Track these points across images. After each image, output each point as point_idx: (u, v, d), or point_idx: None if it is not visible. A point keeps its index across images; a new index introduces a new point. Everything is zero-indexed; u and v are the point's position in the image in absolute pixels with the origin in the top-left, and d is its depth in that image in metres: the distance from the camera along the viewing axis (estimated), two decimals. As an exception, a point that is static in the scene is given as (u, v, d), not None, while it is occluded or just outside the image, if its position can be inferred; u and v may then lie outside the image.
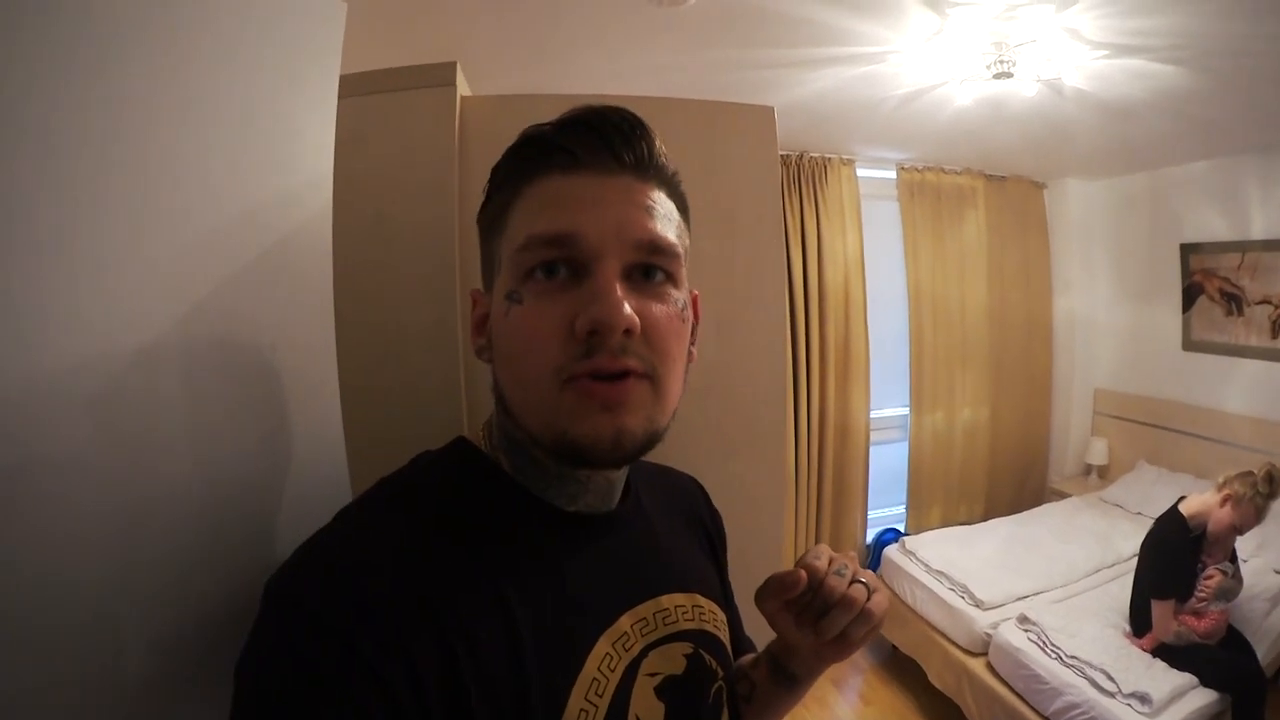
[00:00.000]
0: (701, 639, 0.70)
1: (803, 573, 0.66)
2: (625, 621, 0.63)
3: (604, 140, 0.57)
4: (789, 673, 0.79)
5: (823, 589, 0.66)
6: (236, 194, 0.70)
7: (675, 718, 0.64)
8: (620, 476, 0.69)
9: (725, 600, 0.81)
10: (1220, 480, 2.65)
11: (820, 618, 0.67)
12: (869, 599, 0.67)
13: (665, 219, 0.59)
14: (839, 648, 0.70)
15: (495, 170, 0.63)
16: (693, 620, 0.70)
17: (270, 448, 0.76)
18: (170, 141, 0.62)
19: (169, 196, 0.62)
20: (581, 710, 0.56)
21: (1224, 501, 2.60)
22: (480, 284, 0.67)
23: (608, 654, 0.60)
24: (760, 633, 0.81)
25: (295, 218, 0.80)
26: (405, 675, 0.47)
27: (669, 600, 0.69)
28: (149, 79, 0.60)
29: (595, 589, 0.63)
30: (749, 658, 0.87)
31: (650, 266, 0.58)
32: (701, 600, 0.73)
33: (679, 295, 0.60)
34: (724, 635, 0.75)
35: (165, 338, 0.62)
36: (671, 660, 0.66)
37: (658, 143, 0.60)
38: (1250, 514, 2.55)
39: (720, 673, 0.71)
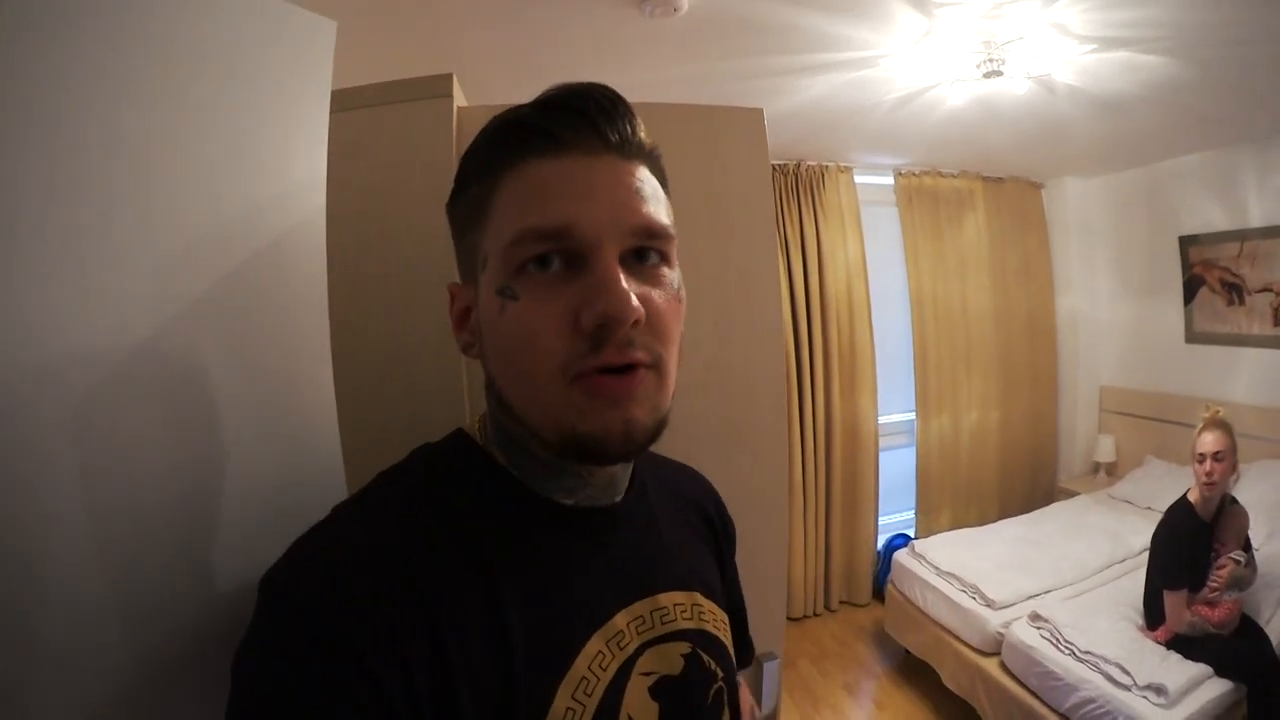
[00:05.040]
0: (700, 639, 0.69)
1: None
2: (621, 619, 0.62)
3: (587, 120, 0.55)
4: None
5: None
6: (227, 200, 0.72)
7: (670, 719, 0.63)
8: (625, 469, 0.68)
9: (729, 602, 0.80)
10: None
11: None
12: None
13: (655, 199, 0.57)
14: None
15: (469, 157, 0.60)
16: (691, 620, 0.69)
17: (261, 448, 0.77)
18: (162, 151, 0.64)
19: (160, 201, 0.64)
20: (568, 709, 0.55)
21: (1231, 488, 2.59)
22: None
23: (600, 652, 0.59)
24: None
25: (285, 223, 0.80)
26: (398, 671, 0.47)
27: (667, 598, 0.68)
28: (143, 92, 0.63)
29: (591, 586, 0.62)
30: None
31: (645, 249, 0.57)
32: (702, 600, 0.72)
33: (673, 275, 0.59)
34: (725, 636, 0.73)
35: (150, 339, 0.63)
36: (668, 660, 0.65)
37: (638, 119, 0.58)
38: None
39: (720, 674, 0.70)
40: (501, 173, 0.56)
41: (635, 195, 0.56)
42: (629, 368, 0.53)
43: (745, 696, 0.90)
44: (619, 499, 0.68)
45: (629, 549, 0.67)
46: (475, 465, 0.63)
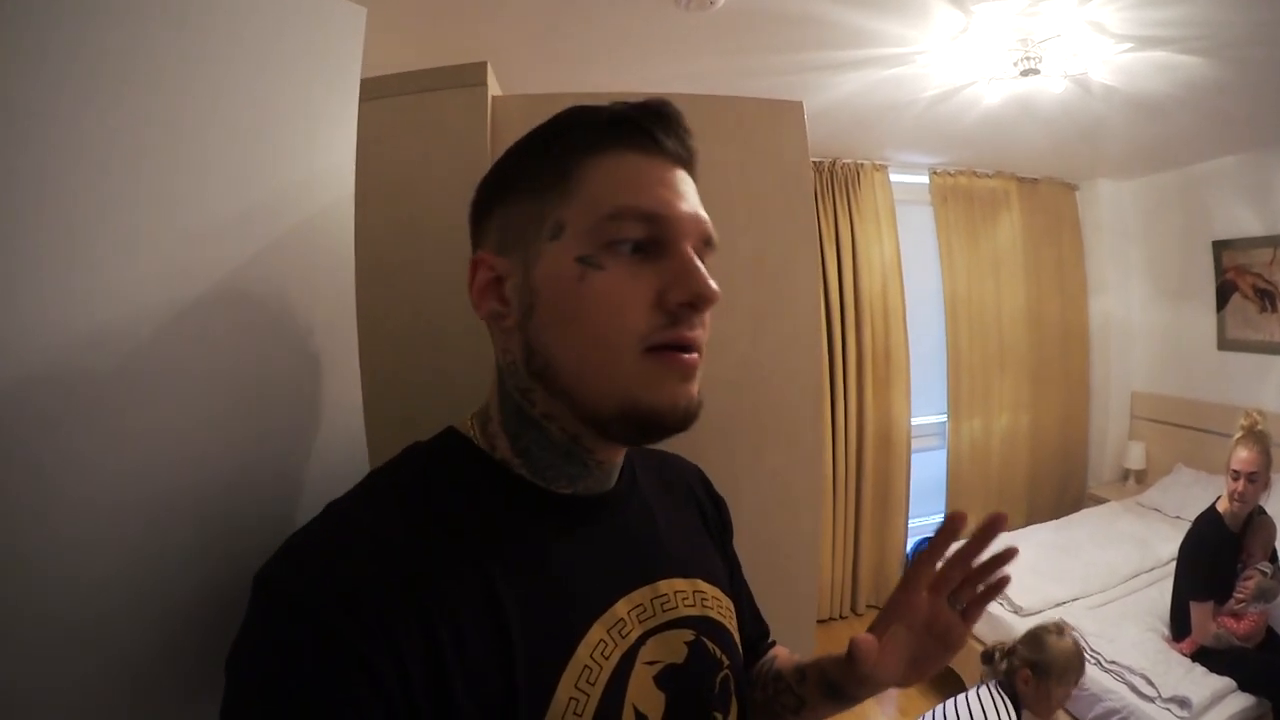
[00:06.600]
0: (704, 625, 0.69)
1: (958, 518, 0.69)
2: (622, 607, 0.63)
3: (676, 134, 0.62)
4: (848, 695, 0.76)
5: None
6: (249, 186, 0.71)
7: (677, 708, 0.63)
8: (620, 457, 0.69)
9: (734, 586, 0.81)
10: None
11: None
12: None
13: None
14: (920, 673, 0.72)
15: (550, 131, 0.63)
16: (694, 606, 0.69)
17: (287, 440, 0.76)
18: (182, 136, 0.63)
19: (179, 186, 0.63)
20: (571, 699, 0.56)
21: (1262, 499, 2.54)
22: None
23: (602, 641, 0.60)
24: (793, 637, 0.79)
25: (310, 210, 0.80)
26: (391, 662, 0.48)
27: (668, 585, 0.68)
28: (171, 82, 0.62)
29: (589, 574, 0.63)
30: (789, 666, 0.84)
31: (701, 255, 0.61)
32: (704, 586, 0.72)
33: None
34: (729, 622, 0.74)
35: (166, 323, 0.62)
36: (672, 648, 0.65)
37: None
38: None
39: (726, 661, 0.70)
40: (592, 154, 0.60)
41: (700, 206, 0.62)
42: (691, 348, 0.59)
43: (782, 650, 0.92)
44: (610, 486, 0.69)
45: (625, 536, 0.68)
46: (469, 460, 0.64)
